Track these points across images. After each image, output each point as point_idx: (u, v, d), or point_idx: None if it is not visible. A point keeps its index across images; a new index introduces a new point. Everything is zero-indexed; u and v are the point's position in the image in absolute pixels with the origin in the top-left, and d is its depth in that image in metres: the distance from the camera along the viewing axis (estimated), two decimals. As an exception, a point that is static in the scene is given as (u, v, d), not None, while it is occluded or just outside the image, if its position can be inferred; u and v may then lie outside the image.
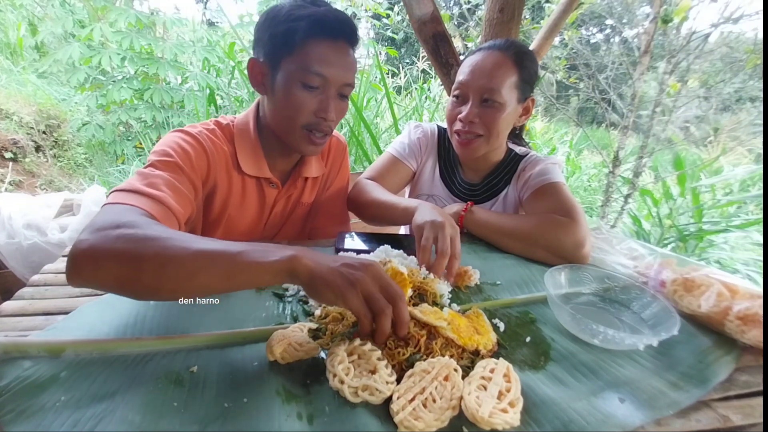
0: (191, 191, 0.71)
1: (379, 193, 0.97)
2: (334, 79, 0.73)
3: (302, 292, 0.65)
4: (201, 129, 0.78)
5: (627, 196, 2.74)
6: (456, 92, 0.94)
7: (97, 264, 0.46)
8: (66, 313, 0.56)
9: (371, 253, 0.75)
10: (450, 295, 0.67)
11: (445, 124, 1.11)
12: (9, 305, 0.59)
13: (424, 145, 1.10)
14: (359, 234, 0.88)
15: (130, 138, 3.41)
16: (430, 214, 0.75)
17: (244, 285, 0.49)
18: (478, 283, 0.73)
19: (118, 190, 0.59)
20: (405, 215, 0.84)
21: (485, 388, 0.44)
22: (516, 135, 1.10)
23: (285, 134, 0.79)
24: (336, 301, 0.46)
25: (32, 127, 3.25)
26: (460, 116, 0.92)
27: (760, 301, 0.58)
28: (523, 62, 0.89)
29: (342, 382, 0.43)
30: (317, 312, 0.58)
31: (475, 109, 0.90)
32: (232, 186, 0.82)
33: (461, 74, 0.93)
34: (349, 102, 0.83)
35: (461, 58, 1.62)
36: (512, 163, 1.04)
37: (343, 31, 0.72)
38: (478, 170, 1.05)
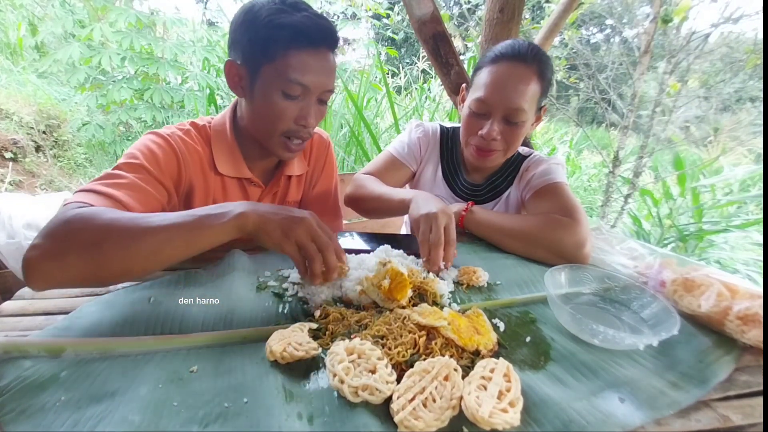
0: (160, 191, 0.71)
1: (375, 186, 0.97)
2: (315, 88, 0.73)
3: (301, 293, 0.65)
4: (174, 130, 0.79)
5: (627, 196, 2.74)
6: (475, 107, 0.89)
7: (60, 263, 0.49)
8: (66, 313, 0.56)
9: (371, 253, 0.75)
10: (450, 295, 0.67)
11: (447, 124, 1.11)
12: (9, 305, 0.58)
13: (425, 145, 1.09)
14: (359, 234, 0.88)
15: (130, 138, 3.41)
16: (424, 207, 0.76)
17: (203, 248, 0.56)
18: (485, 284, 0.72)
19: (78, 191, 0.61)
20: (401, 206, 0.85)
21: (485, 388, 0.44)
22: None
23: (263, 139, 0.79)
24: (275, 247, 0.58)
25: (32, 127, 3.25)
26: (481, 132, 0.89)
27: (760, 301, 0.58)
28: (545, 74, 0.86)
29: (342, 381, 0.43)
30: (317, 312, 0.58)
31: (497, 127, 0.87)
32: (210, 187, 0.82)
33: (481, 88, 0.87)
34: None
35: (462, 58, 1.63)
36: (515, 163, 1.03)
37: (325, 38, 0.71)
38: (481, 171, 1.05)
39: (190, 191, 0.80)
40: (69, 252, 0.49)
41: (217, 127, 0.83)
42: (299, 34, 0.68)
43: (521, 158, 1.04)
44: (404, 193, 0.89)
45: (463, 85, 0.99)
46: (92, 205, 0.57)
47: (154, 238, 0.52)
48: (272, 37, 0.68)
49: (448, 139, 1.09)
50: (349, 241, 0.84)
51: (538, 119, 0.94)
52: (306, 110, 0.74)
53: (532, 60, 0.84)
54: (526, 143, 1.11)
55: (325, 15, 0.73)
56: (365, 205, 0.99)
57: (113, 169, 0.68)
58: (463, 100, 0.97)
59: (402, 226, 1.36)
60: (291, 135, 0.77)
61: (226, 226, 0.56)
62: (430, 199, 0.79)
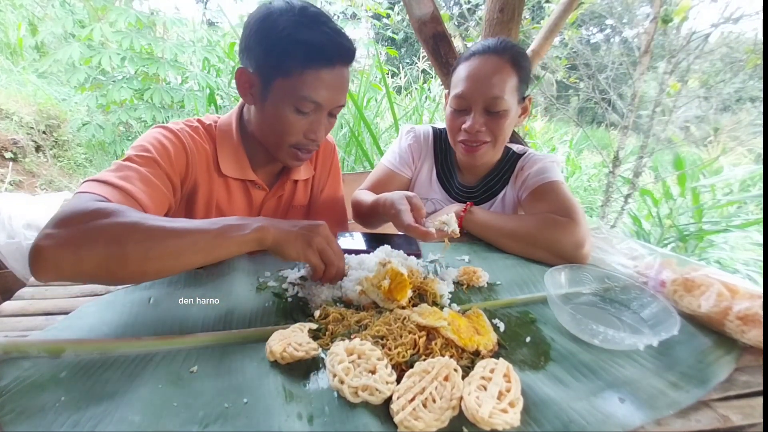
0: (168, 187, 0.71)
1: (364, 197, 0.98)
2: (327, 104, 0.72)
3: (302, 293, 0.65)
4: (183, 126, 0.78)
5: (627, 196, 2.74)
6: (456, 104, 0.90)
7: (76, 254, 0.48)
8: (66, 313, 0.56)
9: (371, 253, 0.75)
10: (450, 296, 0.67)
11: (440, 125, 1.11)
12: (9, 305, 0.59)
13: (417, 151, 1.09)
14: (359, 234, 0.88)
15: (130, 138, 3.41)
16: (386, 207, 0.80)
17: (221, 258, 0.57)
18: (485, 284, 0.72)
19: (90, 180, 0.60)
20: (384, 213, 0.86)
21: (485, 389, 0.44)
22: (512, 133, 1.10)
23: (271, 148, 0.79)
24: (298, 257, 0.60)
25: (32, 127, 3.25)
26: (464, 127, 0.89)
27: (760, 301, 0.58)
28: (520, 63, 0.87)
29: (342, 382, 0.44)
30: (317, 312, 0.58)
31: (479, 119, 0.88)
32: (214, 187, 0.82)
33: (459, 85, 0.89)
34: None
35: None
36: (510, 162, 1.03)
37: (342, 56, 0.70)
38: (475, 173, 1.05)
39: (194, 190, 0.79)
40: (88, 245, 0.48)
41: (224, 128, 0.82)
42: (317, 53, 0.67)
43: (516, 157, 1.03)
44: (379, 199, 0.88)
45: (445, 92, 0.98)
46: (108, 199, 0.57)
47: (177, 242, 0.52)
48: (289, 52, 0.67)
49: (441, 141, 1.08)
50: (349, 241, 0.84)
51: (524, 111, 0.94)
52: (316, 125, 0.74)
53: (503, 51, 0.86)
54: (518, 140, 1.09)
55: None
56: (365, 219, 1.00)
57: (124, 159, 0.67)
58: (446, 106, 0.97)
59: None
60: (299, 147, 0.76)
61: (247, 238, 0.57)
62: (389, 199, 0.81)
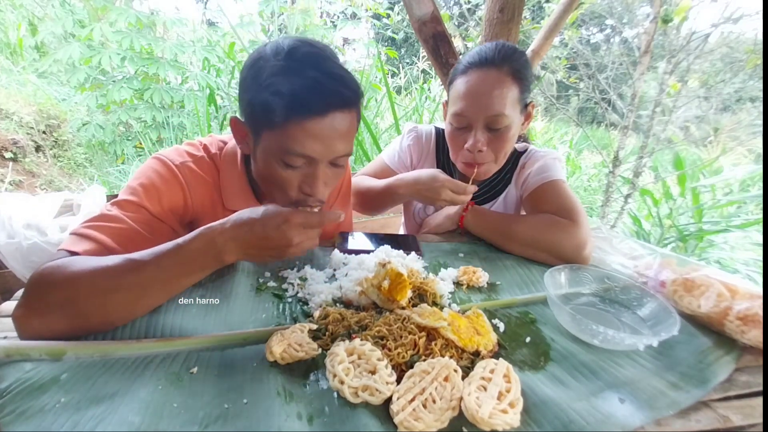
0: (158, 231, 0.66)
1: (366, 182, 1.01)
2: (322, 156, 0.62)
3: (301, 293, 0.65)
4: (185, 159, 0.72)
5: (627, 196, 2.74)
6: (456, 122, 0.87)
7: (42, 320, 0.50)
8: (66, 313, 0.56)
9: (371, 253, 0.75)
10: (450, 296, 0.67)
11: (443, 125, 1.10)
12: (9, 305, 0.58)
13: (417, 153, 1.08)
14: (359, 234, 0.88)
15: (130, 138, 3.41)
16: (421, 184, 0.88)
17: (184, 288, 0.58)
18: (485, 284, 0.72)
19: (72, 233, 0.59)
20: (389, 193, 0.94)
21: (485, 389, 0.44)
22: None
23: (271, 200, 0.72)
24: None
25: (32, 127, 3.25)
26: (466, 146, 0.85)
27: (760, 301, 0.58)
28: (520, 72, 0.82)
29: (342, 382, 0.44)
30: (317, 313, 0.58)
31: (481, 137, 0.84)
32: (219, 219, 0.77)
33: (458, 101, 0.84)
34: None
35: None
36: (511, 160, 1.02)
37: (333, 102, 0.60)
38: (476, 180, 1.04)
39: (196, 222, 0.74)
40: (47, 311, 0.49)
41: (228, 158, 0.77)
42: (300, 104, 0.58)
43: (517, 154, 1.02)
44: (388, 182, 0.95)
45: (444, 100, 0.96)
46: (77, 254, 0.55)
47: (131, 293, 0.52)
48: (270, 104, 0.59)
49: (443, 141, 1.07)
50: (351, 241, 0.84)
51: (528, 117, 0.90)
52: (312, 179, 0.64)
53: (502, 61, 0.81)
54: (520, 137, 1.06)
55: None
56: (363, 202, 1.02)
57: (112, 204, 0.64)
58: (445, 116, 0.95)
59: (400, 226, 1.36)
60: (297, 203, 0.67)
61: (207, 271, 0.57)
62: (415, 181, 0.88)
